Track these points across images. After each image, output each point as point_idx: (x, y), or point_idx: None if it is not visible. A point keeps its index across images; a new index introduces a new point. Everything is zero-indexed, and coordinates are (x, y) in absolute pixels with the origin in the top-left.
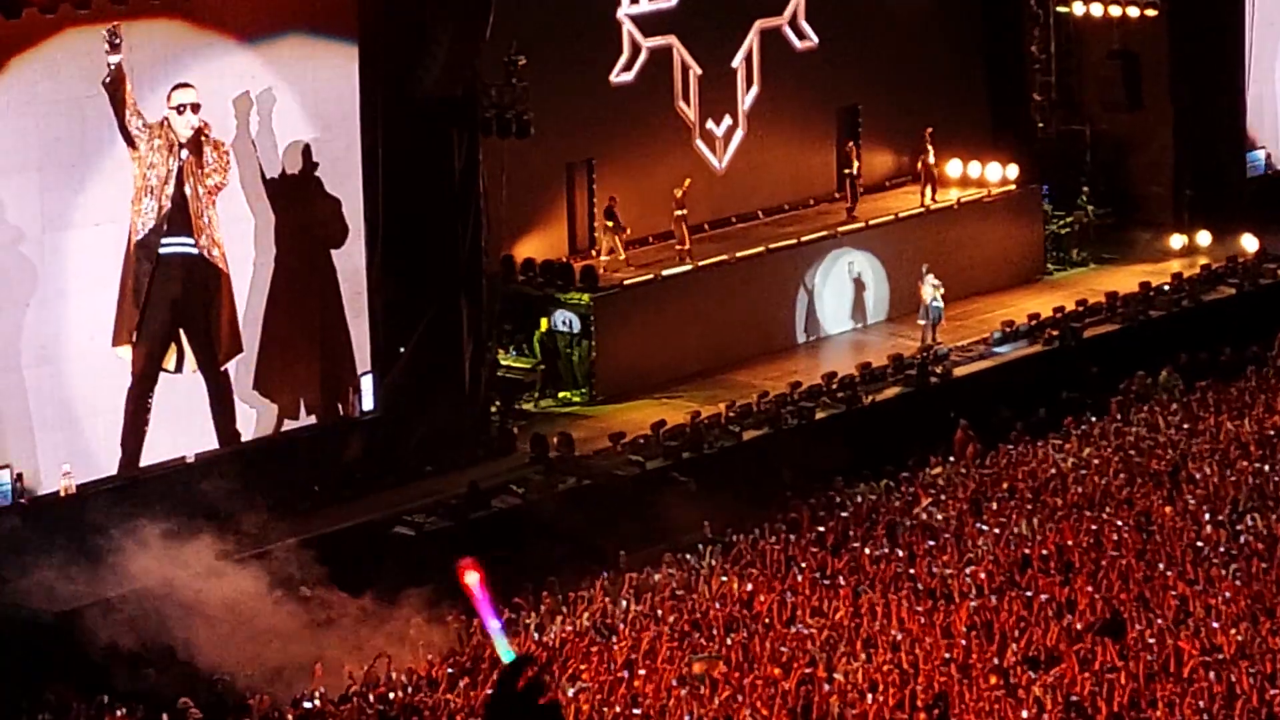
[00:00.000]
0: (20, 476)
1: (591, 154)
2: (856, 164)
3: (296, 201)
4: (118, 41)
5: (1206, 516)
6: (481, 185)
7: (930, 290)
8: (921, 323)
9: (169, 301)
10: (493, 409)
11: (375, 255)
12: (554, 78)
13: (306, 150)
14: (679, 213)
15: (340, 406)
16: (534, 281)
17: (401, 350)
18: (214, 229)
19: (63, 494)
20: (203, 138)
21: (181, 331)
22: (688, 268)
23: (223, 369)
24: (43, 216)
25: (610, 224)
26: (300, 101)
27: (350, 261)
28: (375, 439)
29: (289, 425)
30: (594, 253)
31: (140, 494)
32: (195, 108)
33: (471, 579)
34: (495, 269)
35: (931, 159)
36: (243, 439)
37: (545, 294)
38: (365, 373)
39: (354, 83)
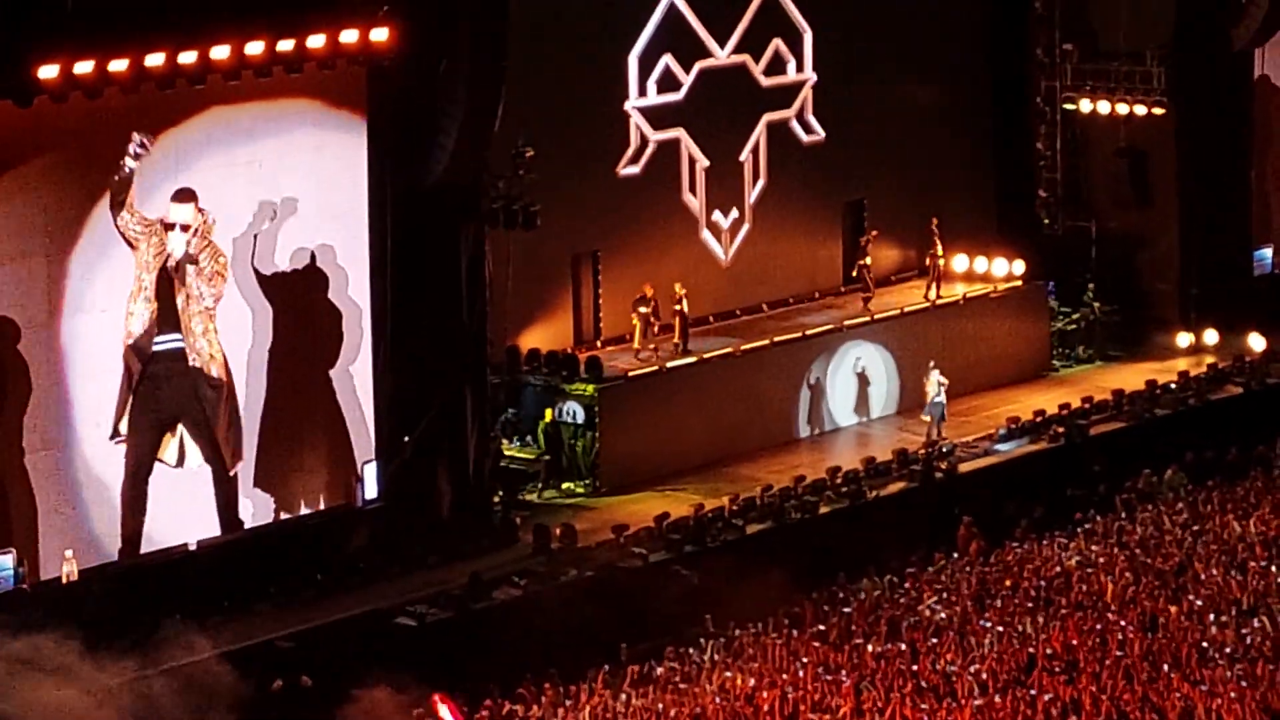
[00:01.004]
0: (24, 561)
1: (597, 245)
2: (869, 257)
3: (299, 290)
4: (141, 153)
5: (1212, 617)
6: (487, 276)
7: (934, 386)
8: (925, 419)
9: (163, 396)
10: (495, 499)
11: (381, 344)
12: (561, 169)
13: (311, 239)
14: (676, 307)
15: (344, 495)
16: (539, 372)
17: (405, 440)
18: (211, 323)
19: (64, 580)
20: (201, 238)
21: (181, 426)
22: (692, 360)
23: (225, 459)
24: (49, 302)
25: (644, 313)
26: (307, 190)
27: (354, 350)
28: (378, 528)
29: (291, 514)
30: (596, 341)
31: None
32: (189, 223)
33: (444, 713)
34: (500, 359)
35: (939, 250)
36: (245, 526)
37: (550, 385)
38: (369, 461)
39: (362, 172)
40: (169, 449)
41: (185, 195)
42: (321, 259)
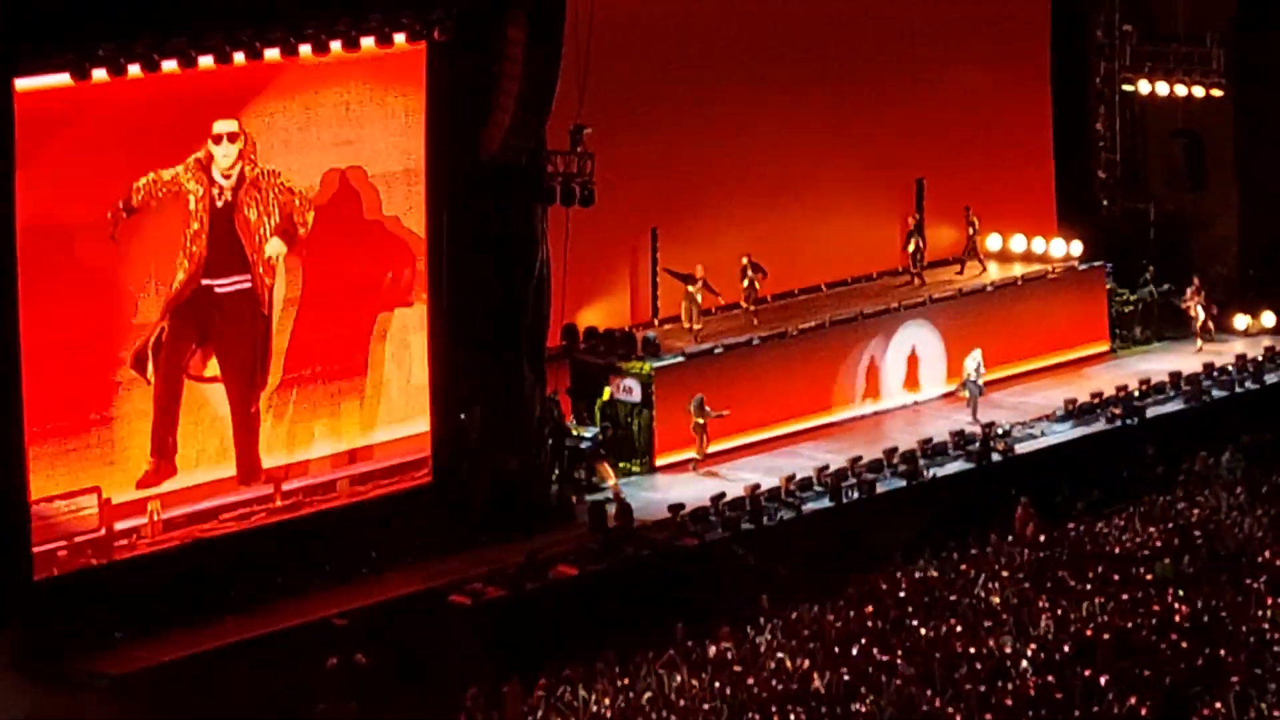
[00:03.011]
0: (109, 500)
1: (656, 223)
2: (921, 237)
3: (353, 259)
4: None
5: (1270, 600)
6: (545, 253)
7: (972, 368)
8: (963, 395)
9: (205, 322)
10: (552, 478)
11: (438, 320)
12: (620, 146)
13: (368, 212)
14: (745, 282)
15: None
16: (596, 350)
17: (462, 417)
18: (263, 265)
19: (149, 522)
20: (248, 171)
21: (213, 346)
22: (748, 339)
23: (255, 401)
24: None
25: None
26: (365, 164)
27: (409, 320)
28: (433, 507)
29: (337, 470)
30: (653, 319)
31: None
32: (234, 137)
33: None
34: (558, 337)
35: (973, 231)
36: (264, 465)
37: (607, 363)
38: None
39: (420, 147)
40: (197, 362)
41: (226, 135)
42: (378, 231)
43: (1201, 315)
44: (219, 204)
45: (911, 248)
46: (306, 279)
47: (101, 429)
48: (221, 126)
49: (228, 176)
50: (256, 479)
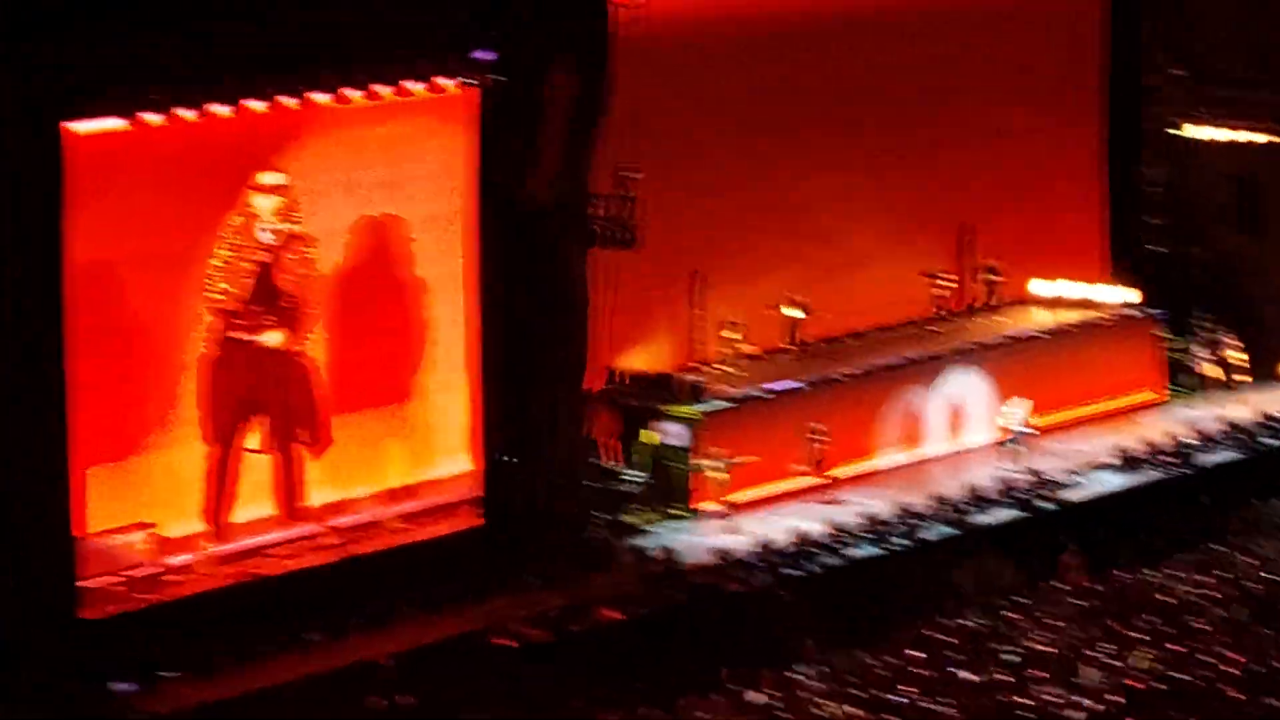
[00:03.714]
0: (161, 535)
1: (699, 266)
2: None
3: (397, 300)
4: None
5: None
6: (587, 295)
7: (1010, 417)
8: (1017, 449)
9: (247, 382)
10: (597, 521)
11: (483, 360)
12: (664, 189)
13: (412, 254)
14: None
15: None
16: (639, 394)
17: (505, 459)
18: (300, 314)
19: (200, 558)
20: (289, 225)
21: (264, 413)
22: (795, 384)
23: (294, 446)
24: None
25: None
26: (412, 206)
27: (450, 361)
28: (476, 548)
29: (381, 507)
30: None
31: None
32: (280, 190)
33: None
34: (601, 380)
35: (994, 276)
36: (306, 506)
37: (651, 406)
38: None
39: (464, 188)
40: (252, 437)
41: (271, 187)
42: (422, 273)
43: (1207, 369)
44: (263, 256)
45: (946, 290)
46: (343, 323)
47: (155, 464)
48: (267, 179)
49: (273, 231)
50: (301, 516)
